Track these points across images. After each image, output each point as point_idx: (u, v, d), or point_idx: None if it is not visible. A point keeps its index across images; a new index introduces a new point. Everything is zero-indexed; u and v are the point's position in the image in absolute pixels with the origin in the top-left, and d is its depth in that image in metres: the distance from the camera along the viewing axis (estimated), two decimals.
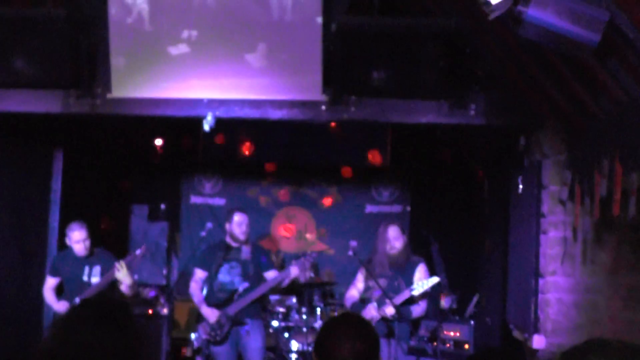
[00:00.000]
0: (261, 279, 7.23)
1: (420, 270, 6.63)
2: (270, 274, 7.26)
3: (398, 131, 9.86)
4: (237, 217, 7.21)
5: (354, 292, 6.79)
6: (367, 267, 6.59)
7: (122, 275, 6.88)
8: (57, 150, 8.30)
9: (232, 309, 7.04)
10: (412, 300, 6.42)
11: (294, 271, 7.14)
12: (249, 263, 7.22)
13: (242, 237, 7.19)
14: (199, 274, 7.27)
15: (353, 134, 10.17)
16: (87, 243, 7.05)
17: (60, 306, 7.09)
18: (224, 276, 7.18)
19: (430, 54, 5.78)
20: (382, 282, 6.45)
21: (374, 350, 2.78)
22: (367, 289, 6.65)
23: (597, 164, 4.85)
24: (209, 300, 7.12)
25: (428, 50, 5.77)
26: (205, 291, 7.22)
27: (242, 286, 7.10)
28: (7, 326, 7.55)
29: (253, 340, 7.15)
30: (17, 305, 7.75)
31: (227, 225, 7.26)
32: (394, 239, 6.62)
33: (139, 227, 10.40)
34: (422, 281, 6.42)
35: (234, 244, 7.24)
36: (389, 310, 6.21)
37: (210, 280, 7.21)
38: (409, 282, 6.47)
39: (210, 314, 7.04)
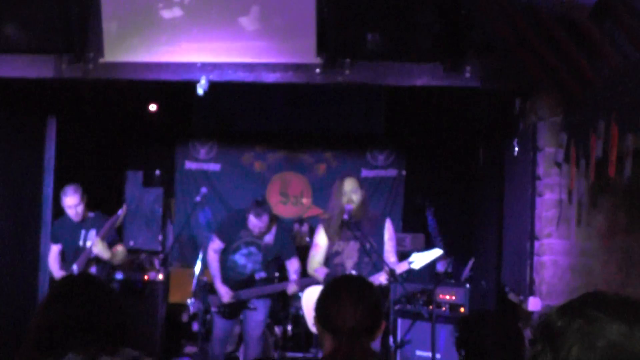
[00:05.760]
0: (281, 265, 7.20)
1: (388, 228, 6.50)
2: (294, 264, 7.18)
3: (393, 95, 9.82)
4: (252, 221, 6.96)
5: (319, 257, 6.51)
6: (355, 229, 6.27)
7: (98, 250, 6.85)
8: (50, 117, 8.24)
9: (244, 294, 7.02)
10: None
11: (290, 288, 7.10)
12: (271, 248, 7.12)
13: (256, 234, 7.05)
14: (218, 243, 7.15)
15: (348, 98, 10.12)
16: (80, 208, 7.03)
17: (59, 276, 7.12)
18: (240, 258, 7.10)
19: (425, 16, 5.73)
20: (355, 245, 6.34)
21: (377, 314, 2.76)
22: (335, 253, 6.43)
23: (593, 125, 4.83)
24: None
25: (423, 13, 5.73)
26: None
27: (258, 275, 7.04)
28: (1, 295, 7.54)
29: (257, 314, 7.16)
30: (12, 273, 7.74)
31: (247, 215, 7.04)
32: (352, 192, 6.30)
33: (133, 193, 10.37)
34: (422, 253, 6.31)
35: None
36: (383, 279, 6.12)
37: (224, 254, 7.14)
38: (381, 242, 6.38)
39: (225, 293, 7.00)
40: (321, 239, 6.49)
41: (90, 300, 2.55)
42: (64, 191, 7.07)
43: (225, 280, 7.06)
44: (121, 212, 7.13)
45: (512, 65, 6.01)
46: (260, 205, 7.03)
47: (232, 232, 7.13)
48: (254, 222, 6.95)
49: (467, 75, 6.07)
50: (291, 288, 7.08)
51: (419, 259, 6.24)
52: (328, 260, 6.43)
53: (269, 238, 7.11)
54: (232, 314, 7.09)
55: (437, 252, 6.34)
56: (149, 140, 10.60)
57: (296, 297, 8.05)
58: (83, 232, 7.12)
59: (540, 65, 5.64)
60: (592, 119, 4.86)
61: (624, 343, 1.59)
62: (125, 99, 9.65)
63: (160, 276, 8.57)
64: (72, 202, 7.00)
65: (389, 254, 6.38)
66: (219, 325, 7.16)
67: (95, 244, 6.82)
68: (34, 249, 7.93)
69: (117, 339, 2.54)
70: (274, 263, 7.26)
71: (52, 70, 6.37)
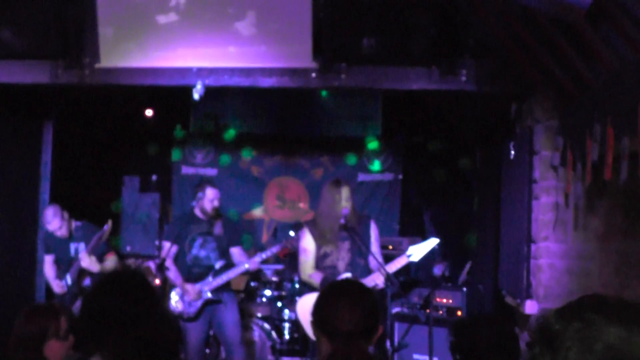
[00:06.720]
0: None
1: (373, 229, 6.47)
2: (235, 251, 7.17)
3: (390, 100, 9.82)
4: (210, 193, 6.99)
5: (311, 260, 6.42)
6: (352, 232, 6.27)
7: (87, 264, 6.92)
8: (46, 122, 8.24)
9: (210, 286, 6.98)
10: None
11: (252, 265, 7.06)
12: (222, 237, 7.12)
13: (211, 212, 7.03)
14: (171, 247, 7.07)
15: (344, 103, 10.13)
16: (64, 228, 7.11)
17: (55, 286, 7.19)
18: (198, 250, 7.07)
19: (421, 20, 5.74)
20: (346, 245, 6.31)
21: (374, 318, 2.76)
22: (324, 254, 6.40)
23: (589, 129, 4.83)
24: (182, 275, 7.05)
25: (419, 17, 5.74)
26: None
27: (218, 263, 7.01)
28: None
29: (230, 313, 7.11)
30: (9, 278, 7.72)
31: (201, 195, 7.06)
32: (346, 200, 6.29)
33: (130, 198, 10.35)
34: (419, 245, 6.30)
35: (203, 217, 7.10)
36: (379, 281, 6.09)
37: (182, 254, 7.10)
38: (368, 243, 6.34)
39: (191, 290, 6.95)
40: (309, 243, 6.43)
41: (133, 297, 2.50)
42: (44, 217, 7.14)
43: (191, 280, 7.04)
44: (107, 227, 7.16)
45: (508, 69, 6.02)
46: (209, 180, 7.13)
47: (181, 230, 7.07)
48: (212, 195, 6.98)
49: (463, 79, 6.07)
50: (252, 264, 7.03)
51: (417, 251, 6.23)
52: (318, 263, 6.38)
53: (217, 229, 7.12)
54: (198, 315, 7.03)
55: (433, 242, 6.34)
56: (146, 145, 10.58)
57: (293, 302, 8.03)
58: (72, 244, 7.19)
59: (536, 68, 5.65)
60: (588, 122, 4.86)
61: (621, 346, 1.59)
62: (122, 104, 9.64)
63: (157, 281, 8.54)
64: (54, 226, 7.07)
65: (377, 255, 6.36)
66: (193, 332, 7.07)
67: (83, 259, 6.89)
68: (30, 254, 7.92)
69: (153, 350, 2.45)
70: (228, 252, 7.22)
71: (48, 76, 6.37)
